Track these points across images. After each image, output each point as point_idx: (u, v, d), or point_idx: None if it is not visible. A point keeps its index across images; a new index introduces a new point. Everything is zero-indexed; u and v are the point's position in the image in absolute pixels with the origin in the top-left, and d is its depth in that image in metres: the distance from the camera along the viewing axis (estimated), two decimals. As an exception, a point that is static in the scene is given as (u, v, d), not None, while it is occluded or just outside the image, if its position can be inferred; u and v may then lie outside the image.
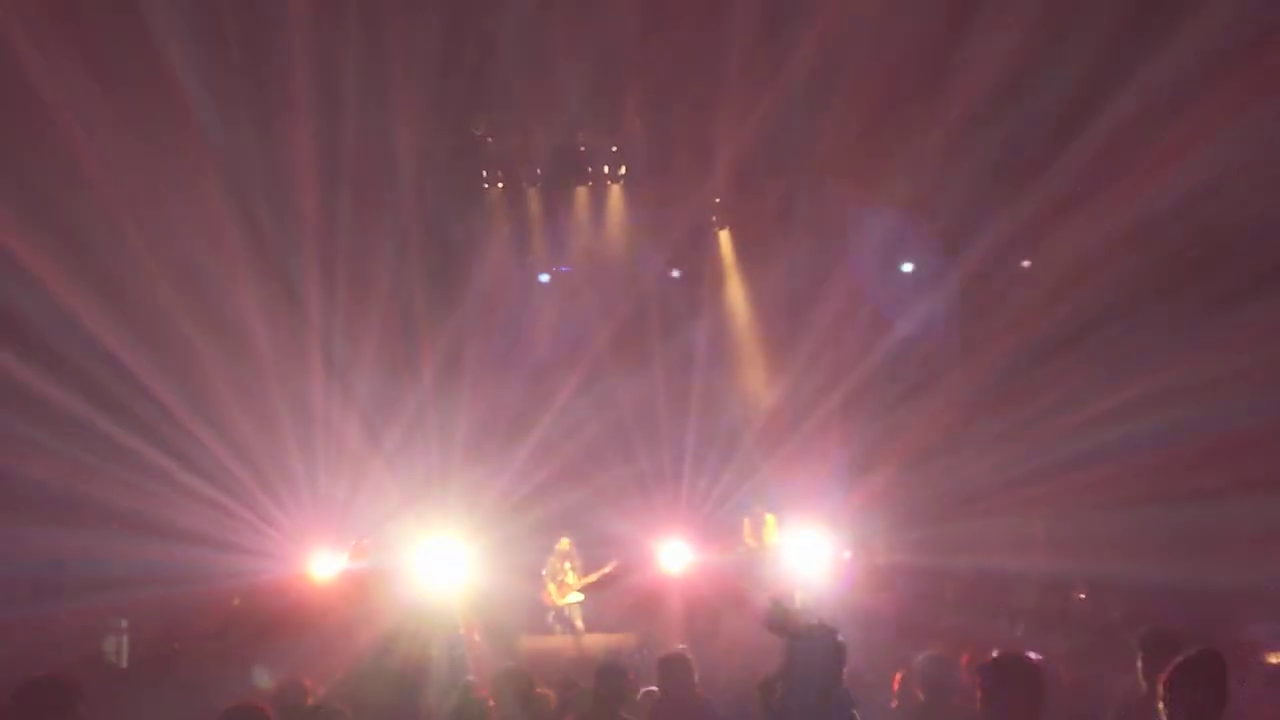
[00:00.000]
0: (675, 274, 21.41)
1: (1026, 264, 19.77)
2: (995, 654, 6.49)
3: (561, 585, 18.46)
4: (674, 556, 18.87)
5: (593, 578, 18.51)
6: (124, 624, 17.71)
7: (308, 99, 17.26)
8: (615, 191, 20.45)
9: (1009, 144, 17.62)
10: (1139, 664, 7.41)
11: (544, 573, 18.54)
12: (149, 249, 17.26)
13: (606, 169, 20.11)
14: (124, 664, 17.43)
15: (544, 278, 21.51)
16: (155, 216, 17.34)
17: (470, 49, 17.09)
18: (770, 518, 18.90)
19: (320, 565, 18.36)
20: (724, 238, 21.11)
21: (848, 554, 18.75)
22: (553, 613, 18.46)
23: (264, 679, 12.92)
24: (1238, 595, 14.15)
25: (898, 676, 9.24)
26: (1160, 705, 5.76)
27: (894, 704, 9.07)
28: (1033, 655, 11.05)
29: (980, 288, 19.51)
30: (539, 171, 20.19)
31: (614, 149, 19.94)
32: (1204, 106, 15.18)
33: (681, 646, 16.43)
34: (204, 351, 18.11)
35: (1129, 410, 16.85)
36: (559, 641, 18.06)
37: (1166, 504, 16.29)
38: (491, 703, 9.51)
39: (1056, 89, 16.43)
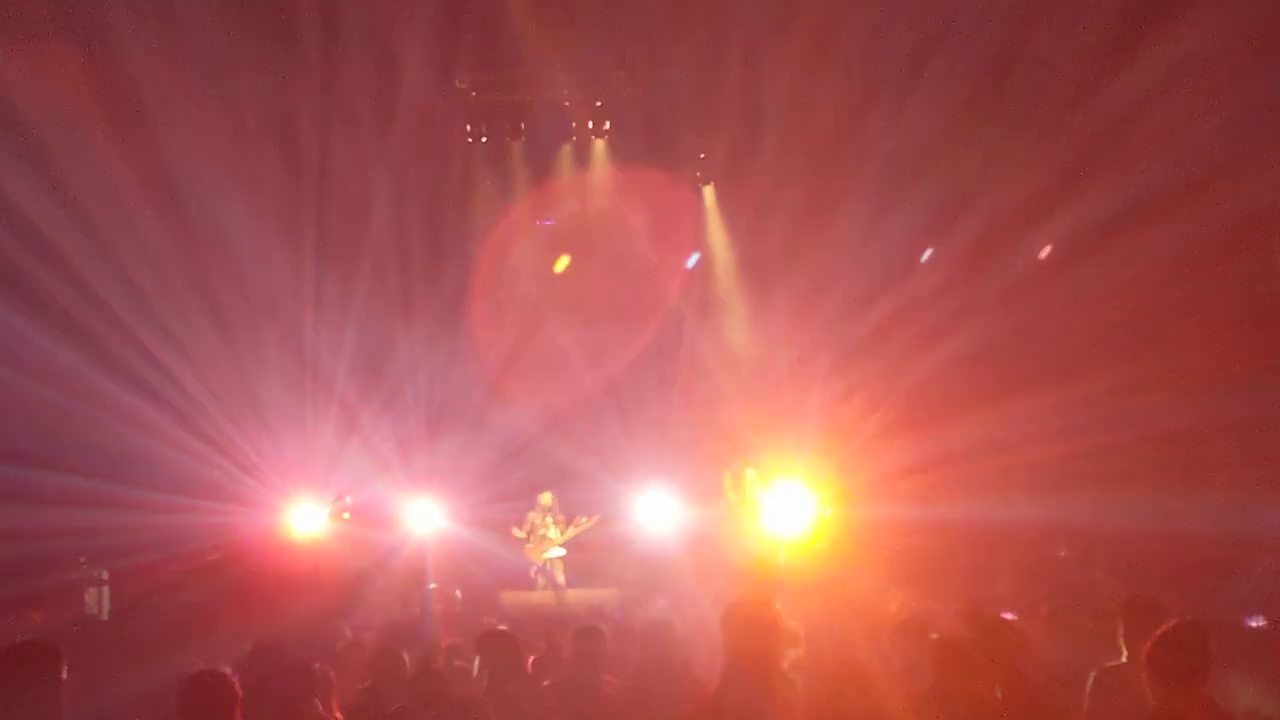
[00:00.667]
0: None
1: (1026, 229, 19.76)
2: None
3: (543, 540, 18.46)
4: (656, 511, 18.85)
5: (575, 531, 18.52)
6: (105, 575, 17.67)
7: (297, 47, 17.12)
8: (599, 146, 20.38)
9: (1009, 105, 17.64)
10: (1120, 631, 7.40)
11: (524, 528, 18.52)
12: (135, 192, 17.14)
13: (591, 124, 20.03)
14: (105, 616, 17.40)
15: None
16: (143, 156, 17.20)
17: (456, 2, 17.00)
18: (752, 471, 18.85)
19: (301, 519, 18.34)
20: (708, 193, 21.02)
21: (829, 510, 18.75)
22: (535, 568, 18.46)
23: None
24: (1220, 556, 14.23)
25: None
26: (1144, 675, 5.79)
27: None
28: (1008, 617, 11.14)
29: (978, 249, 19.40)
30: (522, 126, 20.10)
31: (598, 104, 19.85)
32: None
33: (663, 603, 16.58)
34: (189, 296, 18.06)
35: (1120, 380, 16.92)
36: (541, 597, 18.07)
37: (1151, 474, 16.37)
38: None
39: (1057, 51, 16.44)
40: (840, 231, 19.49)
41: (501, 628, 9.97)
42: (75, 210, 16.62)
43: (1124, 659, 7.24)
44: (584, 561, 18.77)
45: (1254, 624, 11.08)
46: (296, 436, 18.98)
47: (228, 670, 6.32)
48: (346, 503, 18.36)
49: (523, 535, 18.54)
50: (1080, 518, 17.34)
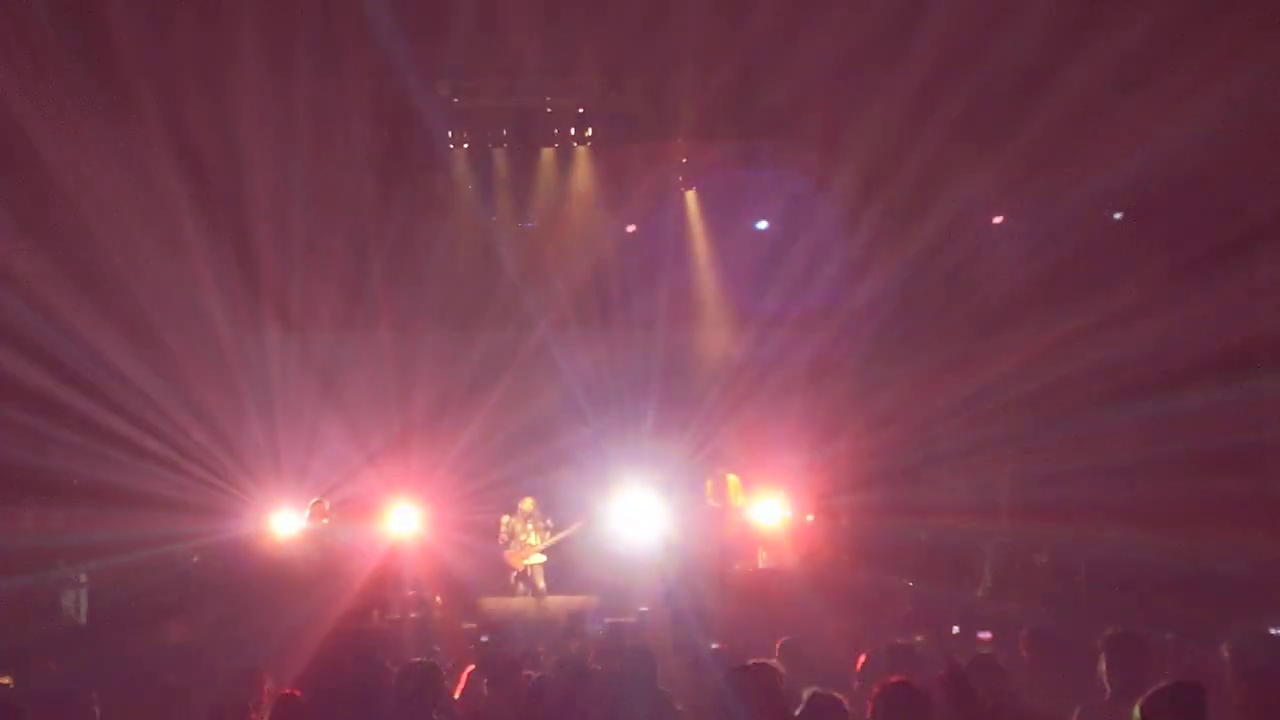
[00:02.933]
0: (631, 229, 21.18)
1: (996, 221, 19.82)
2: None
3: (524, 546, 18.41)
4: (637, 517, 18.78)
5: (555, 538, 18.46)
6: (83, 578, 17.61)
7: (266, 55, 17.03)
8: (581, 153, 20.36)
9: (972, 103, 17.60)
10: (1103, 667, 7.35)
11: (504, 534, 18.47)
12: (101, 211, 17.10)
13: (573, 131, 20.00)
14: (83, 619, 17.36)
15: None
16: (106, 177, 17.15)
17: (436, 9, 16.94)
18: (733, 478, 18.81)
19: (280, 525, 18.30)
20: (690, 198, 20.98)
21: (810, 517, 18.75)
22: (515, 574, 18.41)
23: None
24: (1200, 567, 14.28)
25: (861, 659, 9.17)
26: None
27: (855, 684, 8.97)
28: (984, 636, 11.10)
29: (949, 247, 19.39)
30: (504, 133, 20.07)
31: (580, 111, 19.81)
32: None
33: (644, 609, 16.57)
34: (159, 313, 18.01)
35: (1096, 375, 16.95)
36: (520, 603, 18.02)
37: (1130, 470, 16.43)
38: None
39: (1020, 50, 16.45)
40: (821, 235, 19.54)
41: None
42: (56, 253, 16.61)
43: (1108, 696, 7.20)
44: (565, 568, 18.66)
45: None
46: (270, 446, 18.96)
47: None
48: (324, 504, 18.29)
49: (515, 550, 18.47)
50: (1062, 524, 17.40)
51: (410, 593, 17.46)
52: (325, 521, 17.93)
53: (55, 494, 17.21)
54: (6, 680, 9.61)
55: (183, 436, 18.32)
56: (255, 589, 17.20)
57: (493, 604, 17.82)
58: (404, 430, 19.63)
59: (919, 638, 12.13)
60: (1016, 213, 19.18)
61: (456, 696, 8.90)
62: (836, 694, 6.74)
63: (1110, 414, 17.00)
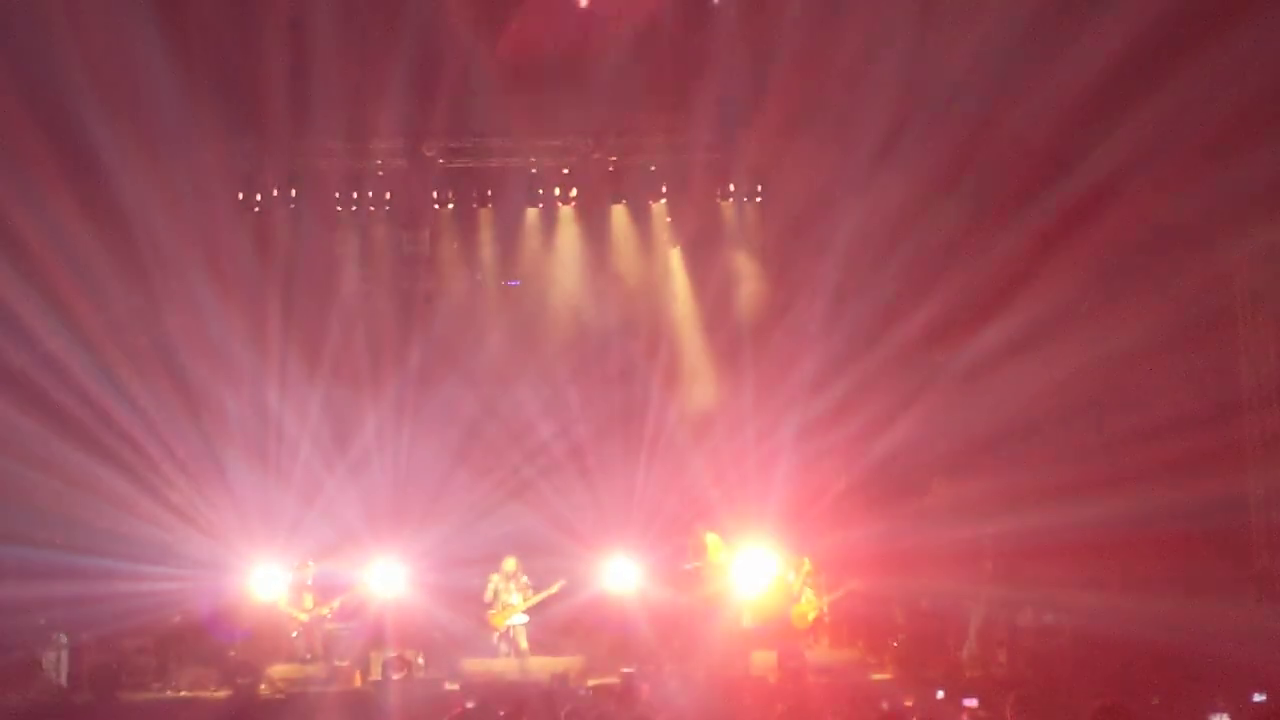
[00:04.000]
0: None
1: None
2: None
3: (505, 607, 18.29)
4: (620, 577, 18.72)
5: (538, 598, 18.35)
6: (64, 639, 17.53)
7: (265, 114, 17.18)
8: (566, 213, 20.45)
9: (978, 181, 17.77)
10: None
11: (486, 594, 18.35)
12: (98, 254, 17.13)
13: (557, 191, 20.11)
14: (63, 679, 17.26)
15: None
16: (106, 228, 17.19)
17: (423, 72, 17.09)
18: (712, 536, 18.78)
19: (263, 581, 18.21)
20: (675, 256, 21.01)
21: (793, 575, 18.62)
22: (497, 634, 18.27)
23: None
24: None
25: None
26: None
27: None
28: (971, 704, 11.08)
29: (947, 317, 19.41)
30: (489, 193, 20.17)
31: (565, 171, 19.95)
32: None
33: (627, 670, 16.52)
34: (150, 359, 18.04)
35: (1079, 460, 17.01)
36: (503, 664, 17.90)
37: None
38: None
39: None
40: (808, 298, 19.59)
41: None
42: (37, 281, 16.57)
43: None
44: (548, 627, 18.56)
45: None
46: (260, 501, 18.88)
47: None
48: (310, 567, 18.24)
49: (489, 598, 18.38)
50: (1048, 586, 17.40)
51: (393, 654, 17.32)
52: (309, 581, 17.97)
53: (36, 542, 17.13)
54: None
55: (167, 485, 18.30)
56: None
57: (475, 665, 17.71)
58: (397, 486, 19.54)
59: (908, 703, 12.17)
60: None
61: None
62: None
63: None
